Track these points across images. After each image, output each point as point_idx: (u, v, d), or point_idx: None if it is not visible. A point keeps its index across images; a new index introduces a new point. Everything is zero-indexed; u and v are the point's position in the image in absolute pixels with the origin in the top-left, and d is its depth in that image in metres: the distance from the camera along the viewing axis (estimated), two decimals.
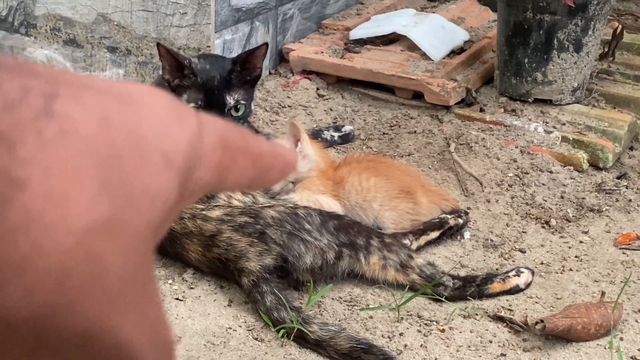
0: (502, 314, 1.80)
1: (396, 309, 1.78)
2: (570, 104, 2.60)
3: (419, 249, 2.00)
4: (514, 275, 1.89)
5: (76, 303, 0.28)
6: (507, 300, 1.86)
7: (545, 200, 2.24)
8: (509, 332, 1.76)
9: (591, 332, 1.73)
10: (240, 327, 1.73)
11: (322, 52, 2.88)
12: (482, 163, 2.36)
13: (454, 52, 2.89)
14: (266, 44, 2.02)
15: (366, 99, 2.79)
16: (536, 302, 1.86)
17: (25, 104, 0.28)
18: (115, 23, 2.71)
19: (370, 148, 2.50)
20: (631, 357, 1.71)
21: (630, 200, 2.28)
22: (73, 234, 0.28)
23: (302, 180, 2.06)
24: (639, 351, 1.73)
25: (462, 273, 1.93)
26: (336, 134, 2.53)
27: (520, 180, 2.30)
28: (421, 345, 1.70)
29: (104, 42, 2.75)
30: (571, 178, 2.33)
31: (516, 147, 2.41)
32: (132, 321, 0.30)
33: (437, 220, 2.05)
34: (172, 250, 1.90)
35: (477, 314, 1.81)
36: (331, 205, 2.01)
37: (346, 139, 2.55)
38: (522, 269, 1.91)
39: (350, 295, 1.85)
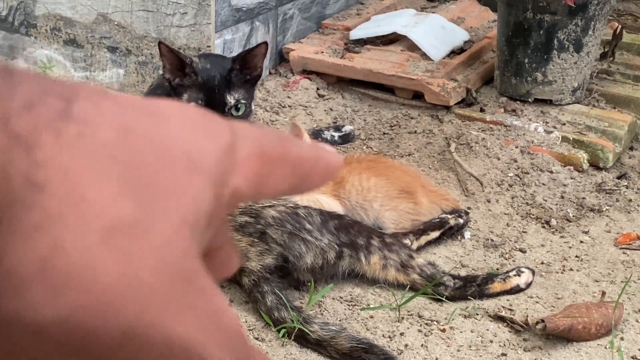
0: (503, 313, 1.80)
1: (397, 308, 1.78)
2: (570, 104, 2.60)
3: (420, 248, 2.00)
4: (515, 275, 1.89)
5: (109, 302, 0.28)
6: (507, 300, 1.86)
7: (546, 200, 2.24)
8: (510, 331, 1.76)
9: (592, 332, 1.73)
10: (242, 325, 1.73)
11: (322, 52, 2.88)
12: (482, 163, 2.36)
13: (454, 52, 2.89)
14: (265, 43, 2.02)
15: (366, 99, 2.79)
16: (537, 302, 1.86)
17: (44, 106, 0.28)
18: (116, 23, 2.71)
19: (371, 148, 2.50)
20: (632, 357, 1.71)
21: (630, 200, 2.28)
22: (94, 232, 0.27)
23: None
24: None
25: (463, 273, 1.93)
26: (336, 134, 2.53)
27: (520, 180, 2.30)
28: (422, 345, 1.70)
29: (104, 42, 2.75)
30: (571, 178, 2.33)
31: (516, 147, 2.41)
32: (182, 316, 0.29)
33: (438, 220, 2.05)
34: None
35: (477, 314, 1.81)
36: (332, 205, 2.01)
37: (346, 139, 2.55)
38: (523, 269, 1.91)
39: (350, 295, 1.85)
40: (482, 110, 2.61)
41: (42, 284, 0.27)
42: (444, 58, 2.83)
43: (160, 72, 2.21)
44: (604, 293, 1.83)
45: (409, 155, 2.44)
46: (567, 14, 2.48)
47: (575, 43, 2.52)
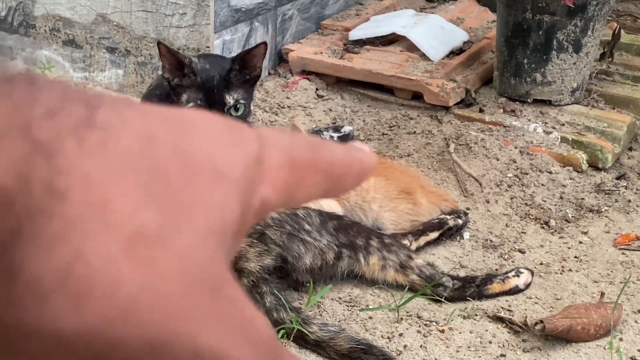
0: (502, 314, 1.80)
1: (396, 309, 1.78)
2: (569, 104, 2.60)
3: (419, 249, 2.00)
4: (514, 276, 1.89)
5: (133, 312, 0.27)
6: (506, 301, 1.86)
7: (545, 201, 2.24)
8: (509, 332, 1.76)
9: (591, 333, 1.73)
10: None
11: (322, 53, 2.88)
12: (481, 163, 2.36)
13: (453, 53, 2.89)
14: (265, 43, 2.02)
15: (365, 99, 2.79)
16: (536, 303, 1.86)
17: (66, 113, 0.28)
18: (115, 23, 2.71)
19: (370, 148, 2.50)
20: (631, 358, 1.71)
21: (629, 201, 2.28)
22: (117, 241, 0.27)
23: None
24: (639, 352, 1.73)
25: (462, 273, 1.93)
26: (335, 135, 2.53)
27: (519, 181, 2.30)
28: (421, 346, 1.70)
29: (103, 43, 2.75)
30: (570, 178, 2.33)
31: (515, 148, 2.41)
32: (211, 325, 0.29)
33: (437, 220, 2.05)
34: None
35: (476, 315, 1.81)
36: (331, 205, 2.01)
37: (345, 139, 2.54)
38: (522, 270, 1.91)
39: (349, 295, 1.85)
40: (481, 110, 2.61)
41: (64, 294, 0.26)
42: (443, 59, 2.83)
43: (160, 72, 2.21)
44: (603, 294, 1.83)
45: (408, 155, 2.44)
46: (566, 15, 2.48)
47: (574, 44, 2.52)
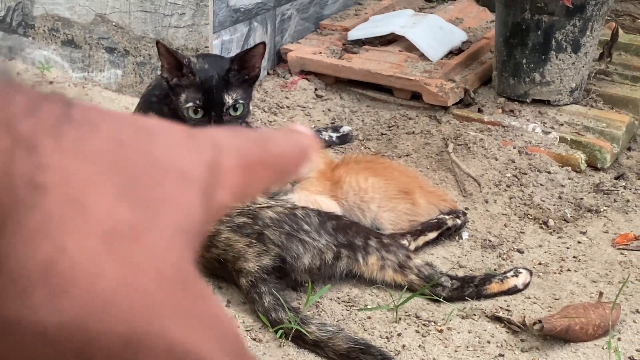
0: (500, 314, 1.80)
1: (394, 309, 1.78)
2: (568, 104, 2.60)
3: (417, 249, 2.00)
4: (512, 276, 1.89)
5: (111, 306, 0.28)
6: (505, 301, 1.86)
7: (543, 201, 2.24)
8: (507, 332, 1.76)
9: (589, 333, 1.73)
10: (239, 327, 1.73)
11: (321, 53, 2.88)
12: (480, 163, 2.36)
13: (452, 53, 2.89)
14: (263, 43, 2.02)
15: (364, 99, 2.79)
16: (534, 303, 1.86)
17: (45, 110, 0.29)
18: (114, 24, 2.71)
19: (369, 149, 2.50)
20: (629, 358, 1.71)
21: (628, 201, 2.28)
22: (96, 236, 0.28)
23: (300, 180, 2.06)
24: (637, 351, 1.73)
25: (461, 273, 1.93)
26: (334, 135, 2.53)
27: (518, 181, 2.30)
28: (419, 346, 1.70)
29: (102, 43, 2.75)
30: (569, 178, 2.33)
31: (514, 148, 2.41)
32: (182, 321, 0.30)
33: (435, 220, 2.05)
34: None
35: (475, 315, 1.81)
36: (329, 205, 2.01)
37: (344, 139, 2.55)
38: (520, 270, 1.91)
39: (348, 295, 1.85)
40: (480, 110, 2.61)
41: (45, 287, 0.27)
42: (442, 59, 2.83)
43: (159, 72, 2.21)
44: (601, 293, 1.83)
45: (407, 155, 2.44)
46: (564, 15, 2.48)
47: (573, 44, 2.52)
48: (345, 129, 2.56)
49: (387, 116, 2.67)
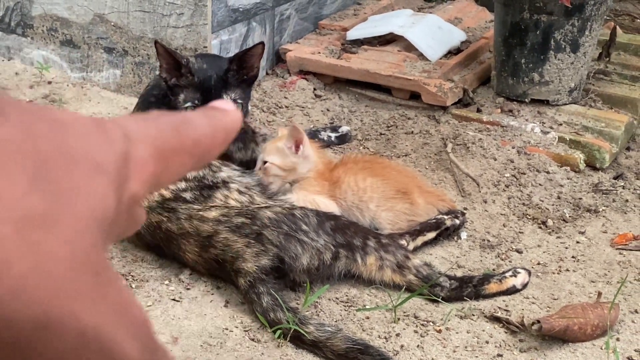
0: (499, 314, 1.80)
1: (393, 309, 1.78)
2: (567, 104, 2.60)
3: (416, 249, 2.00)
4: (511, 276, 1.89)
5: (22, 292, 0.28)
6: (503, 301, 1.86)
7: (542, 201, 2.24)
8: (506, 332, 1.76)
9: (587, 333, 1.73)
10: (237, 327, 1.73)
11: (319, 53, 2.88)
12: (479, 163, 2.36)
13: (450, 53, 2.89)
14: (262, 43, 2.02)
15: (363, 99, 2.79)
16: (533, 303, 1.86)
17: None
18: (112, 24, 2.71)
19: (367, 148, 2.50)
20: (627, 358, 1.71)
21: (626, 201, 2.28)
22: (8, 223, 0.28)
23: (299, 180, 2.06)
24: (636, 352, 1.73)
25: (459, 273, 1.93)
26: (333, 135, 2.53)
27: (517, 181, 2.30)
28: (418, 346, 1.70)
29: (100, 43, 2.75)
30: (568, 178, 2.33)
31: (513, 148, 2.41)
32: (93, 307, 0.30)
33: (434, 220, 2.05)
34: (168, 251, 1.90)
35: (473, 315, 1.81)
36: (328, 205, 2.01)
37: (343, 139, 2.55)
38: (519, 270, 1.91)
39: (346, 295, 1.85)
40: (478, 110, 2.61)
41: None
42: (440, 58, 2.83)
43: (157, 72, 2.21)
44: (600, 293, 1.83)
45: (405, 155, 2.44)
46: (563, 14, 2.48)
47: (572, 43, 2.52)
48: (344, 128, 2.56)
49: (386, 116, 2.67)
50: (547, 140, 2.44)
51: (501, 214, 2.18)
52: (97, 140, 0.33)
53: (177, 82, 2.01)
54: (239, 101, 2.02)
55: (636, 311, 1.85)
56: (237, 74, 2.02)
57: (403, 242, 1.97)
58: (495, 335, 1.75)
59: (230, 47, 2.70)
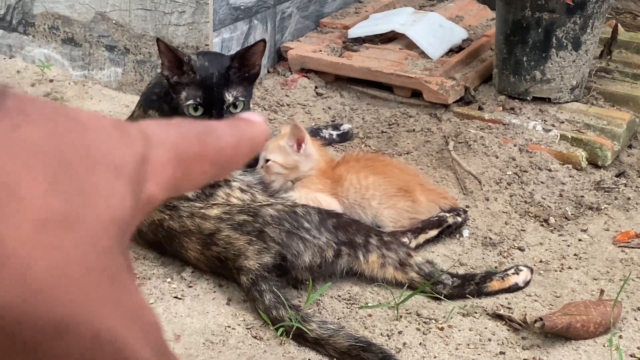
0: (501, 312, 1.80)
1: (395, 307, 1.78)
2: (568, 102, 2.60)
3: (418, 247, 2.00)
4: (513, 274, 1.89)
5: (42, 293, 0.28)
6: (506, 299, 1.86)
7: (544, 199, 2.24)
8: (508, 330, 1.76)
9: (590, 330, 1.73)
10: (239, 325, 1.73)
11: (321, 51, 2.88)
12: (480, 161, 2.36)
13: (452, 51, 2.89)
14: (264, 40, 2.02)
15: (365, 97, 2.78)
16: (535, 300, 1.86)
17: None
18: (114, 22, 2.71)
19: (369, 146, 2.50)
20: (630, 355, 1.71)
21: (629, 198, 2.28)
22: (30, 223, 0.28)
23: (301, 178, 2.06)
24: (638, 349, 1.73)
25: (461, 271, 1.93)
26: (335, 133, 2.53)
27: (519, 179, 2.30)
28: (420, 344, 1.70)
29: (102, 41, 2.75)
30: (570, 176, 2.33)
31: (515, 146, 2.41)
32: (109, 309, 0.30)
33: (436, 218, 2.05)
34: (170, 248, 1.90)
35: (476, 312, 1.80)
36: (330, 203, 2.01)
37: (345, 137, 2.54)
38: (521, 267, 1.91)
39: (349, 293, 1.84)
40: (480, 108, 2.61)
41: None
42: (442, 56, 2.83)
43: (159, 70, 2.21)
44: (602, 291, 1.83)
45: (407, 153, 2.44)
46: (565, 12, 2.48)
47: (573, 41, 2.52)
48: (346, 127, 2.56)
49: (388, 114, 2.67)
50: (549, 138, 2.44)
51: (503, 212, 2.18)
52: (117, 141, 0.33)
53: (179, 79, 2.00)
54: (241, 99, 2.02)
55: (639, 308, 1.85)
56: (239, 72, 2.02)
57: (405, 239, 1.96)
58: (498, 332, 1.75)
59: (232, 45, 2.69)
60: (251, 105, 2.12)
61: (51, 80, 2.79)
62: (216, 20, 2.61)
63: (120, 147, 0.33)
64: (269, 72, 2.89)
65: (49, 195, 0.29)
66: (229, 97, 1.99)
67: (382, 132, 2.57)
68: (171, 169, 0.35)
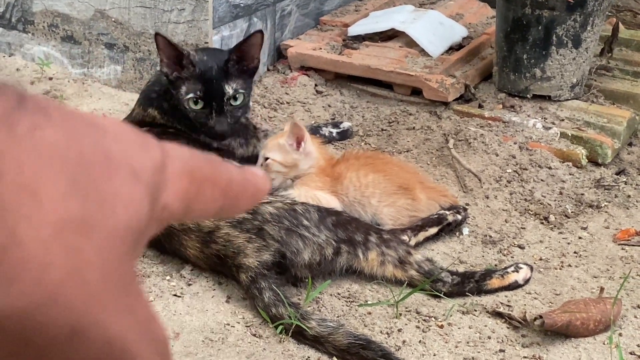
0: (501, 309, 1.79)
1: (395, 305, 1.78)
2: (569, 100, 2.60)
3: (418, 245, 1.99)
4: (513, 271, 1.89)
5: (59, 297, 0.28)
6: (505, 296, 1.85)
7: (544, 196, 2.23)
8: (508, 328, 1.75)
9: (590, 328, 1.72)
10: (239, 323, 1.73)
11: (321, 49, 2.87)
12: (480, 159, 2.35)
13: (452, 49, 2.89)
14: (260, 31, 2.01)
15: (364, 95, 2.78)
16: (535, 298, 1.85)
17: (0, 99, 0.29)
18: (113, 19, 2.71)
19: (369, 144, 2.50)
20: (630, 353, 1.71)
21: (629, 196, 2.27)
22: (49, 225, 0.28)
23: (301, 176, 2.05)
24: (638, 347, 1.72)
25: (461, 269, 1.92)
26: (334, 130, 2.53)
27: (519, 176, 2.29)
28: (420, 341, 1.69)
29: (101, 39, 2.75)
30: (570, 174, 2.32)
31: (515, 143, 2.41)
32: (122, 317, 0.30)
33: (436, 216, 2.05)
34: (170, 246, 1.90)
35: (475, 310, 1.80)
36: (329, 201, 2.01)
37: (344, 135, 2.54)
38: (521, 265, 1.91)
39: (348, 291, 1.84)
40: (480, 106, 2.60)
41: None
42: (442, 54, 2.83)
43: (158, 68, 2.20)
44: (602, 289, 1.83)
45: (407, 151, 2.44)
46: (565, 10, 2.48)
47: (573, 39, 2.52)
48: (346, 124, 2.56)
49: (388, 112, 2.66)
50: (549, 136, 2.44)
51: (503, 210, 2.18)
52: (136, 147, 0.33)
53: (179, 75, 2.00)
54: (241, 91, 2.01)
55: (639, 306, 1.84)
56: (238, 65, 2.02)
57: (405, 237, 1.96)
58: (498, 330, 1.74)
59: (232, 43, 2.69)
60: (251, 104, 2.12)
61: (50, 78, 2.79)
62: (216, 18, 2.60)
63: (140, 153, 0.32)
64: (268, 70, 2.89)
65: (68, 198, 0.28)
66: (229, 89, 1.99)
67: (382, 130, 2.57)
68: (186, 182, 0.35)
